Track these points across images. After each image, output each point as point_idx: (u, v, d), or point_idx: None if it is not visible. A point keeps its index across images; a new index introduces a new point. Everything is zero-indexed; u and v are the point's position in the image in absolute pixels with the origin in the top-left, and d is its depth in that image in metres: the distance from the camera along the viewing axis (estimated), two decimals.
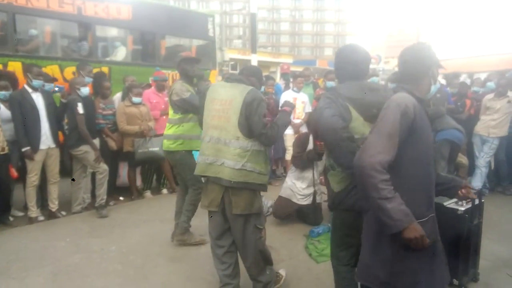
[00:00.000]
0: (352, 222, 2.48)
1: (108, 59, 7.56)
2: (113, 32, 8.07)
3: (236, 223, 2.85)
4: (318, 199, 4.82)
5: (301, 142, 4.86)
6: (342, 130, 2.31)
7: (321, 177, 4.82)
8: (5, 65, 5.92)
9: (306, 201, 4.77)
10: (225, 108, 2.81)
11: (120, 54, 7.79)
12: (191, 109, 3.86)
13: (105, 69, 6.99)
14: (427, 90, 2.10)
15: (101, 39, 7.61)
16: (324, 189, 5.06)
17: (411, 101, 1.94)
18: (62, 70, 6.47)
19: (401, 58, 2.16)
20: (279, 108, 3.21)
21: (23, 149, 4.63)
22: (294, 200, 4.78)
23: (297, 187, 4.80)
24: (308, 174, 4.81)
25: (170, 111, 4.14)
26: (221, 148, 2.79)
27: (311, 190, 4.79)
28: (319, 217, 4.81)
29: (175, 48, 9.08)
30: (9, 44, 6.10)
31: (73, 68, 6.45)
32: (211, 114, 2.88)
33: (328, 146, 2.46)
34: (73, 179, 5.24)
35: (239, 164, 2.74)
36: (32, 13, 6.35)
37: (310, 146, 4.73)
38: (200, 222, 4.06)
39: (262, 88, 6.80)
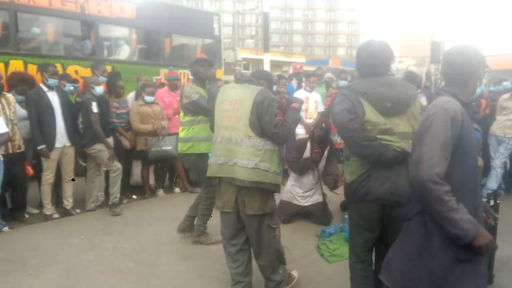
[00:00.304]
0: (365, 213, 2.54)
1: (111, 58, 7.56)
2: (116, 30, 7.97)
3: (251, 223, 2.84)
4: (320, 199, 4.84)
5: (299, 147, 4.88)
6: (349, 123, 2.40)
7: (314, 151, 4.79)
8: (6, 64, 5.93)
9: (308, 202, 4.81)
10: (235, 108, 2.81)
11: (124, 53, 7.77)
12: (201, 111, 3.90)
13: (108, 68, 6.94)
14: (473, 92, 2.06)
15: (104, 37, 7.57)
16: (325, 190, 5.06)
17: (458, 106, 1.88)
18: (64, 69, 6.43)
19: (447, 59, 2.08)
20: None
21: (39, 147, 4.71)
22: (295, 202, 4.84)
23: (296, 191, 4.88)
24: (306, 179, 4.85)
25: (181, 114, 4.18)
26: (233, 148, 2.78)
27: (312, 192, 4.83)
28: (327, 216, 4.81)
29: (180, 47, 9.07)
30: (11, 42, 6.11)
31: (76, 67, 6.49)
32: (221, 115, 2.89)
33: (342, 139, 2.60)
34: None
35: (252, 163, 2.72)
36: (34, 11, 6.35)
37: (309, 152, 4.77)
38: (217, 222, 4.07)
39: (274, 87, 6.80)
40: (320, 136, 4.68)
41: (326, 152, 4.79)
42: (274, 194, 2.92)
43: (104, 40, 7.52)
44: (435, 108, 1.90)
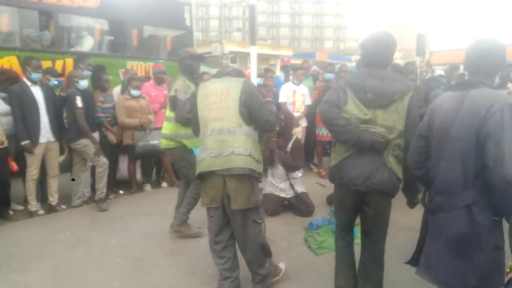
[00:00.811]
0: (342, 196, 2.72)
1: (73, 49, 7.11)
2: (78, 20, 7.39)
3: (235, 218, 2.85)
4: (298, 190, 4.94)
5: (267, 143, 4.95)
6: (326, 112, 2.59)
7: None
8: None
9: (289, 194, 4.92)
10: (222, 98, 2.82)
11: (87, 44, 7.34)
12: (176, 111, 3.66)
13: (69, 61, 6.65)
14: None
15: (65, 28, 7.11)
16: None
17: None
18: (21, 62, 5.98)
19: (483, 50, 2.08)
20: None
21: (23, 143, 4.63)
22: (276, 194, 4.93)
23: (274, 183, 5.00)
24: (277, 170, 4.96)
25: (168, 109, 4.12)
26: (226, 138, 2.76)
27: (287, 183, 4.95)
28: (309, 207, 4.87)
29: (149, 38, 8.60)
30: None
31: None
32: (208, 108, 2.86)
33: (326, 127, 2.80)
34: (73, 179, 5.26)
35: (248, 151, 2.75)
36: None
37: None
38: (199, 215, 4.06)
39: (261, 80, 6.79)
40: (282, 128, 4.87)
41: (290, 144, 4.97)
42: (259, 188, 2.95)
43: (64, 31, 7.09)
44: (498, 104, 1.88)
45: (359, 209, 2.70)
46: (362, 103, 2.51)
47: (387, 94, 2.47)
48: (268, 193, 4.97)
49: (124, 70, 7.23)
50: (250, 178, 2.80)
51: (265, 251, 3.01)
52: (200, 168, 2.86)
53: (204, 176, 2.87)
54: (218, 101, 2.82)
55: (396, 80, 2.55)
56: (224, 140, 2.76)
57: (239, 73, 3.28)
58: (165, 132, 4.08)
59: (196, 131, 3.03)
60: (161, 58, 8.23)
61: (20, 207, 5.19)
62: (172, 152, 4.10)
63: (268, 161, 4.89)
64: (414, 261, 2.54)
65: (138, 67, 7.72)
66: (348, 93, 2.55)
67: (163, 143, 4.11)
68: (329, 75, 6.85)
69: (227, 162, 2.72)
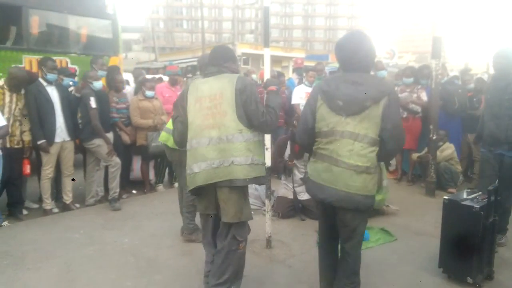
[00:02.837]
0: (320, 207, 2.74)
1: None
2: None
3: (222, 227, 2.74)
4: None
5: (279, 148, 4.93)
6: (301, 140, 2.69)
7: (290, 162, 4.83)
8: None
9: (304, 196, 4.78)
10: (217, 103, 2.58)
11: None
12: None
13: None
14: None
15: None
16: None
17: None
18: None
19: None
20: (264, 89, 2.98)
21: (39, 142, 4.69)
22: (291, 197, 4.86)
23: (289, 186, 4.94)
24: (294, 176, 4.90)
25: None
26: (225, 147, 2.56)
27: (303, 187, 4.86)
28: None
29: (54, 27, 7.14)
30: None
31: None
32: (202, 113, 2.62)
33: None
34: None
35: (249, 159, 2.57)
36: None
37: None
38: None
39: (254, 77, 6.73)
40: (295, 135, 4.70)
41: None
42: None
43: None
44: None
45: (333, 222, 2.66)
46: (333, 111, 2.44)
47: (359, 101, 2.37)
48: (282, 196, 4.91)
49: (22, 65, 6.14)
50: (243, 189, 2.65)
51: (233, 274, 2.73)
52: (197, 181, 2.62)
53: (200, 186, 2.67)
54: (213, 106, 2.58)
55: (371, 85, 2.42)
56: (224, 149, 2.55)
57: (226, 56, 2.84)
58: (168, 127, 4.04)
59: (182, 139, 2.76)
60: (71, 52, 7.06)
61: (35, 205, 5.26)
62: (171, 152, 4.02)
63: (284, 172, 4.93)
64: None
65: (34, 60, 6.24)
66: (318, 98, 2.51)
67: (163, 137, 4.06)
68: None
69: (229, 173, 2.55)
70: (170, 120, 4.10)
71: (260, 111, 2.58)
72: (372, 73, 2.97)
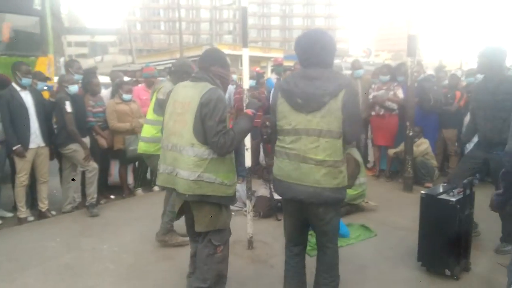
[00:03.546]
0: (288, 207, 2.73)
1: None
2: None
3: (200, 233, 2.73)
4: None
5: (253, 152, 4.88)
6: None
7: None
8: None
9: None
10: (184, 111, 2.54)
11: None
12: None
13: None
14: None
15: None
16: None
17: None
18: None
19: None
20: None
21: (14, 148, 4.56)
22: (269, 196, 4.87)
23: (267, 185, 4.99)
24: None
25: (150, 111, 4.05)
26: (176, 157, 2.55)
27: None
28: None
29: None
30: None
31: None
32: (173, 118, 2.62)
33: None
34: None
35: (195, 175, 2.47)
36: None
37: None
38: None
39: (234, 77, 6.73)
40: (269, 135, 4.71)
41: None
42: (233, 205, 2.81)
43: None
44: None
45: (306, 221, 2.69)
46: (294, 109, 2.47)
47: (317, 97, 2.40)
48: (261, 195, 4.93)
49: None
50: (207, 201, 2.57)
51: (214, 280, 2.69)
52: (158, 180, 2.76)
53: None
54: (181, 113, 2.56)
55: (328, 80, 2.44)
56: (176, 158, 2.55)
57: (215, 59, 2.75)
58: (146, 136, 4.01)
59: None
60: None
61: (10, 214, 5.10)
62: (150, 160, 4.02)
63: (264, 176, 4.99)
64: None
65: None
66: (279, 96, 2.55)
67: (142, 147, 4.04)
68: None
69: (175, 183, 2.57)
70: (145, 128, 4.06)
71: (215, 129, 2.44)
72: (348, 71, 3.01)
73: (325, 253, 2.68)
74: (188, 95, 2.58)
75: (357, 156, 4.84)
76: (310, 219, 2.64)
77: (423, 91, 6.08)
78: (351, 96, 2.44)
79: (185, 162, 2.50)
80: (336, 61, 21.38)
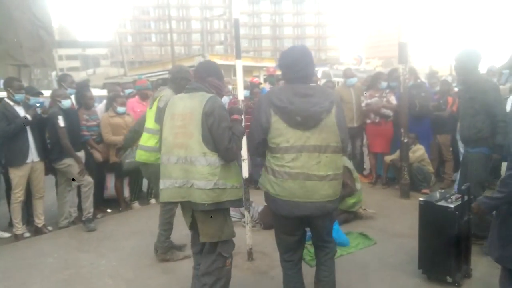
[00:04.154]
0: (282, 222, 2.70)
1: None
2: None
3: (205, 246, 2.75)
4: None
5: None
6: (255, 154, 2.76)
7: None
8: None
9: None
10: (186, 123, 2.59)
11: None
12: None
13: None
14: None
15: None
16: None
17: None
18: None
19: None
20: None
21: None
22: None
23: None
24: None
25: (150, 120, 4.03)
26: (188, 169, 2.57)
27: None
28: None
29: None
30: None
31: None
32: (174, 131, 2.65)
33: None
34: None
35: (211, 183, 2.53)
36: None
37: None
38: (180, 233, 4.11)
39: (247, 93, 6.78)
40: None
41: None
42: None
43: None
44: None
45: (304, 232, 2.77)
46: (291, 126, 2.47)
47: (316, 114, 2.46)
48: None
49: None
50: (220, 210, 2.64)
51: None
52: (163, 197, 2.72)
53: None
54: (183, 125, 2.60)
55: (321, 96, 2.52)
56: (188, 170, 2.57)
57: (210, 70, 2.82)
58: (146, 145, 3.98)
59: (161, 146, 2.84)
60: None
61: (7, 235, 4.94)
62: (147, 168, 4.00)
63: None
64: None
65: None
66: (271, 113, 2.49)
67: (142, 156, 4.01)
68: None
69: (189, 195, 2.58)
70: (144, 136, 4.04)
71: (227, 136, 2.54)
72: (339, 79, 3.07)
73: (327, 247, 2.80)
74: (187, 106, 2.62)
75: (348, 163, 4.88)
76: (310, 228, 2.74)
77: (410, 97, 6.14)
78: (340, 109, 2.58)
79: (200, 172, 2.53)
80: (325, 68, 21.56)
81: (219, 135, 2.53)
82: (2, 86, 5.40)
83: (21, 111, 4.68)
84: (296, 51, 2.61)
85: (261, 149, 2.62)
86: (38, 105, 4.97)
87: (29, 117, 4.59)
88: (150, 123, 4.07)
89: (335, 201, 2.60)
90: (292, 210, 2.54)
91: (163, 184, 2.70)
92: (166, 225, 3.94)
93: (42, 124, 4.97)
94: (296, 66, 2.56)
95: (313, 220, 2.64)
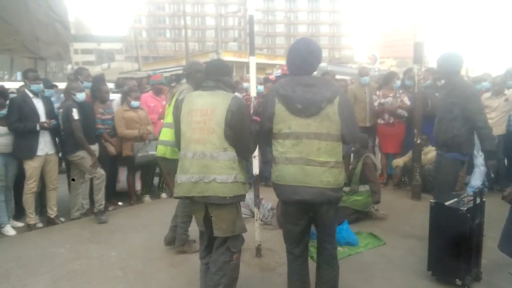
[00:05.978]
0: (288, 210, 2.75)
1: None
2: None
3: (216, 240, 2.79)
4: None
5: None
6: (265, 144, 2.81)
7: None
8: None
9: None
10: (207, 118, 2.63)
11: None
12: None
13: None
14: None
15: None
16: None
17: None
18: None
19: None
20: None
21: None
22: None
23: None
24: None
25: (170, 116, 4.07)
26: (208, 164, 2.60)
27: None
28: None
29: None
30: None
31: None
32: (192, 127, 2.68)
33: None
34: (73, 179, 5.19)
35: (232, 177, 2.61)
36: None
37: None
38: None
39: (262, 88, 6.75)
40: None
41: None
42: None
43: None
44: None
45: (308, 221, 2.76)
46: (292, 112, 2.56)
47: (316, 102, 2.53)
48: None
49: None
50: (234, 204, 2.72)
51: (229, 285, 2.76)
52: (179, 191, 2.73)
53: (191, 200, 2.78)
54: (202, 121, 2.63)
55: (323, 86, 2.61)
56: (207, 165, 2.60)
57: (223, 70, 2.90)
58: (165, 139, 4.01)
59: (178, 145, 2.87)
60: None
61: (20, 224, 5.02)
62: (167, 163, 4.00)
63: None
64: None
65: None
66: (276, 103, 2.60)
67: (161, 151, 4.02)
68: None
69: (207, 190, 2.60)
70: (164, 131, 4.06)
71: (247, 134, 2.69)
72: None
73: (326, 248, 2.80)
74: (207, 103, 2.69)
75: (376, 160, 4.92)
76: (313, 218, 2.75)
77: (423, 96, 6.06)
78: (345, 101, 2.62)
79: (221, 167, 2.60)
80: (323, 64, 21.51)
81: (241, 134, 2.65)
82: (19, 79, 5.53)
83: (39, 104, 4.76)
84: (305, 46, 2.68)
85: (270, 138, 2.71)
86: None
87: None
88: (169, 117, 4.08)
89: (337, 190, 2.61)
90: (291, 194, 2.59)
91: (179, 179, 2.72)
92: (186, 218, 3.97)
93: (57, 118, 5.04)
94: (304, 61, 2.65)
95: (315, 209, 2.65)
